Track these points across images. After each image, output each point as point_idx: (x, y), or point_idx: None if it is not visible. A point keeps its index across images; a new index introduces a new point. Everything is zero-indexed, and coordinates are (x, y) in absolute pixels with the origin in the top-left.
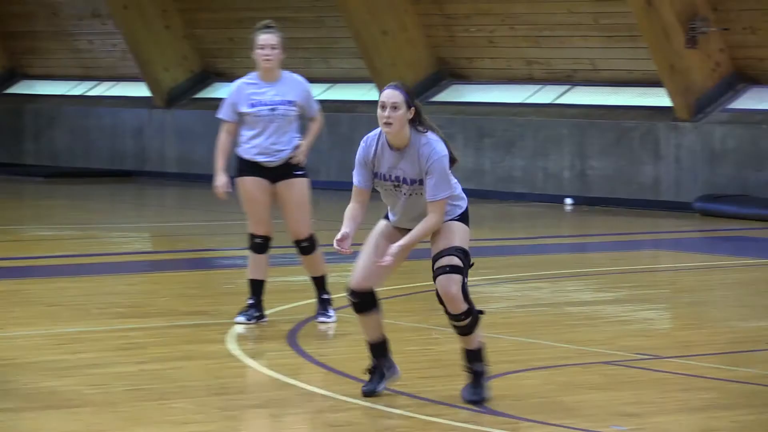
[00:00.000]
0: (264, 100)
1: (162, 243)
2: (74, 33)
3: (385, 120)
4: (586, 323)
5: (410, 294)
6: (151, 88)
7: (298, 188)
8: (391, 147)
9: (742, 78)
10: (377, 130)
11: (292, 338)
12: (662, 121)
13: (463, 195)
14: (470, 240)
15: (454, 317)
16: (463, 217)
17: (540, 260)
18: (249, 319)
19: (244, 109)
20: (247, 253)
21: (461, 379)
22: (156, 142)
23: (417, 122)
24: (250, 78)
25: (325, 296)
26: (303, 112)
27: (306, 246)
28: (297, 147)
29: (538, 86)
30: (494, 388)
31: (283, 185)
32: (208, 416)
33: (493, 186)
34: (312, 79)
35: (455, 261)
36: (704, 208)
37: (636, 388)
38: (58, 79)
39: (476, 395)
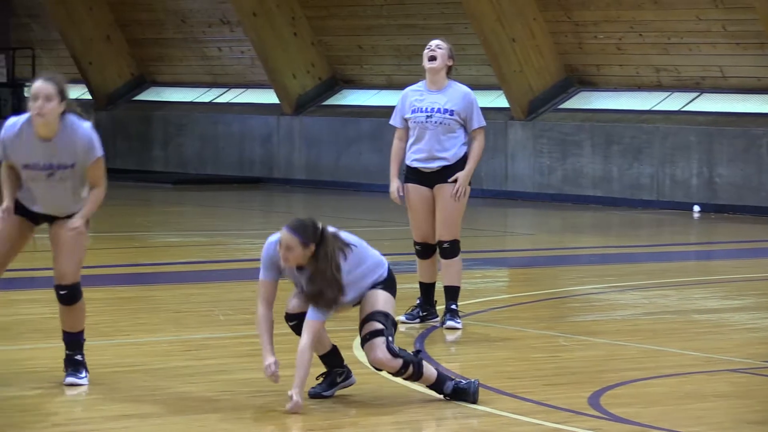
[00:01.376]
0: (422, 107)
1: None
2: (203, 40)
3: None
4: (713, 331)
5: (536, 301)
6: (279, 95)
7: (448, 191)
8: None
9: None
10: None
11: (420, 345)
12: None
13: (381, 262)
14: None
15: (393, 375)
16: (386, 285)
17: (666, 268)
18: (409, 318)
19: (407, 115)
20: None
21: (588, 386)
22: (284, 149)
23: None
24: (417, 85)
25: (453, 306)
26: (465, 124)
27: (446, 248)
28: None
29: (666, 93)
30: (621, 395)
31: (437, 189)
32: (333, 422)
33: (621, 193)
34: None
35: (375, 326)
36: None
37: (764, 396)
38: (186, 86)
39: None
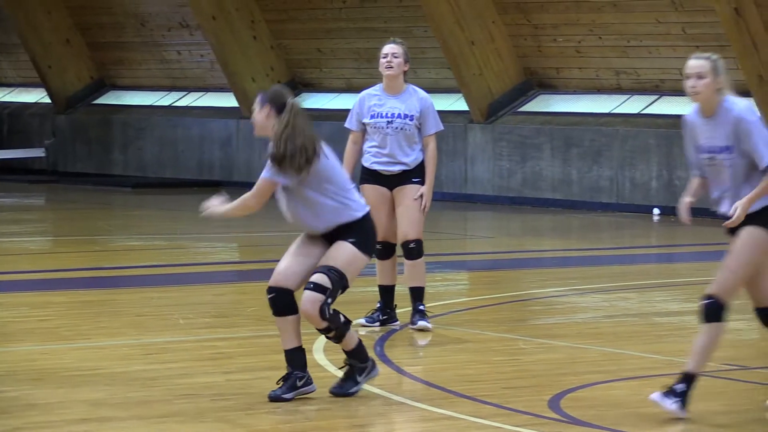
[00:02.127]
0: (382, 113)
1: (249, 253)
2: (162, 44)
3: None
4: (674, 333)
5: (497, 304)
6: (239, 98)
7: (410, 192)
8: None
9: None
10: None
11: (379, 349)
12: None
13: (357, 203)
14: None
15: (319, 331)
16: (359, 240)
17: (627, 270)
18: (369, 322)
19: (365, 120)
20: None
21: (548, 389)
22: (243, 153)
23: None
24: (374, 89)
25: (421, 307)
26: (421, 128)
27: (412, 248)
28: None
29: (625, 96)
30: (582, 398)
31: (397, 190)
32: (294, 426)
33: (580, 196)
34: None
35: (322, 282)
36: None
37: (726, 399)
38: (146, 89)
39: (342, 389)
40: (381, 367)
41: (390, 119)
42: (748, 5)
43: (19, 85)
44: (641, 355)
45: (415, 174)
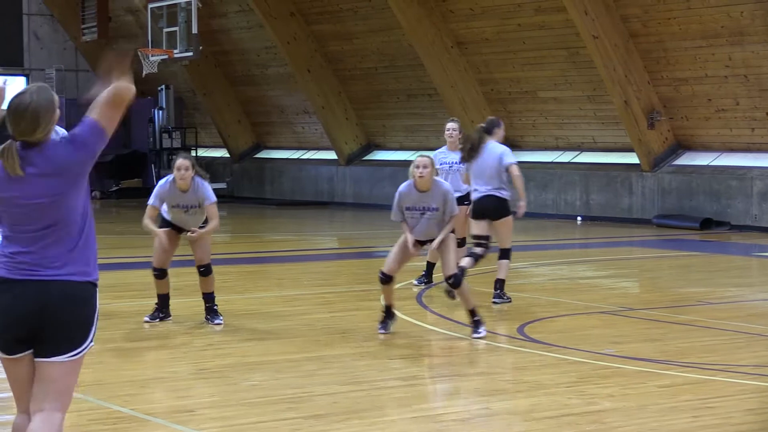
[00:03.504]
0: (447, 160)
1: (344, 242)
2: (293, 122)
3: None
4: (590, 288)
5: (487, 273)
6: (337, 154)
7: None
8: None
9: (680, 146)
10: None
11: (419, 298)
12: (631, 171)
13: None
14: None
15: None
16: None
17: (562, 252)
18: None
19: (438, 167)
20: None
21: (517, 321)
22: (340, 185)
23: None
24: (442, 149)
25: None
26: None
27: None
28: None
29: (561, 152)
30: (537, 327)
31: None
32: (368, 342)
33: (535, 210)
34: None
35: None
36: (660, 222)
37: (622, 326)
38: (284, 149)
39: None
40: (420, 309)
41: (451, 165)
42: None
43: (211, 146)
44: (570, 302)
45: (464, 199)
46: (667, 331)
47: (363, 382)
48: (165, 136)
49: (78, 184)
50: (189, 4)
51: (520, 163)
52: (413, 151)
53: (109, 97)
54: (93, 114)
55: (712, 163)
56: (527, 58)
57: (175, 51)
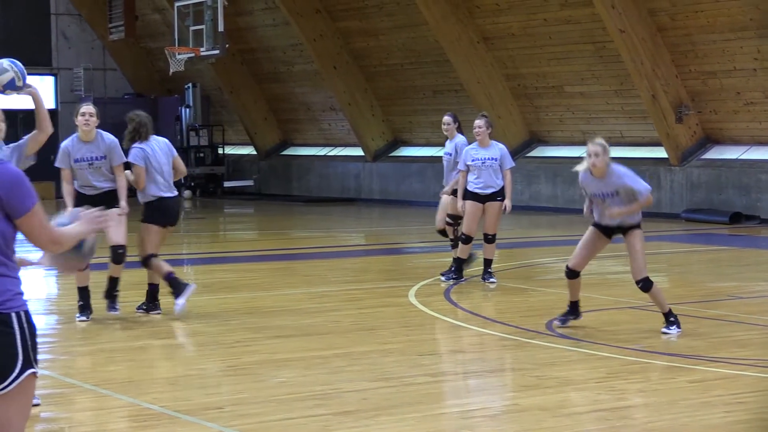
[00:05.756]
0: (478, 156)
1: (371, 239)
2: (320, 119)
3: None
4: (619, 284)
5: (514, 269)
6: (364, 150)
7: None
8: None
9: (709, 140)
10: None
11: (447, 294)
12: (660, 165)
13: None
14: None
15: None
16: None
17: None
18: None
19: (468, 162)
20: None
21: (546, 317)
22: (367, 182)
23: None
24: (473, 145)
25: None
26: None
27: (490, 237)
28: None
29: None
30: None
31: (487, 205)
32: (397, 338)
33: (565, 206)
34: None
35: None
36: (689, 217)
37: (649, 322)
38: (311, 146)
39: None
40: (448, 305)
41: (483, 161)
42: None
43: (238, 144)
44: (597, 297)
45: (499, 194)
46: (698, 326)
47: (392, 378)
48: (192, 134)
49: None
50: (215, 2)
51: (547, 157)
52: (440, 147)
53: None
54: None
55: (741, 157)
56: (554, 53)
57: (202, 49)
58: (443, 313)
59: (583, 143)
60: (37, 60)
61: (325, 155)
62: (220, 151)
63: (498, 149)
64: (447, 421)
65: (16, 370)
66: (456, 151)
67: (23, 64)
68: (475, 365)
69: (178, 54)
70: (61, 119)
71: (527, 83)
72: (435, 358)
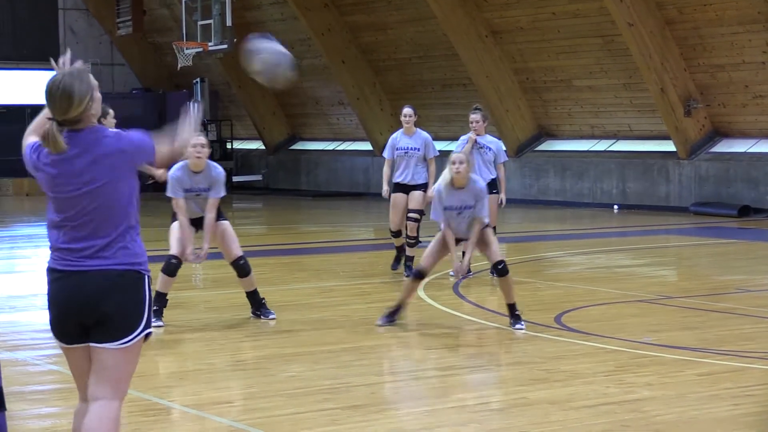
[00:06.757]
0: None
1: (380, 233)
2: (328, 114)
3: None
4: (628, 277)
5: (524, 262)
6: (372, 144)
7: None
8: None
9: (718, 133)
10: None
11: (456, 288)
12: (668, 159)
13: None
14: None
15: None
16: None
17: (598, 241)
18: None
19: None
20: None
21: (554, 311)
22: (376, 176)
23: None
24: (464, 137)
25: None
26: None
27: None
28: None
29: (597, 140)
30: (574, 316)
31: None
32: (405, 332)
33: (571, 199)
34: None
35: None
36: (697, 210)
37: (657, 316)
38: (319, 140)
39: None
40: (457, 299)
41: (481, 146)
42: None
43: (246, 138)
44: (607, 290)
45: (493, 187)
46: (706, 319)
47: (400, 372)
48: (200, 128)
49: (122, 174)
50: None
51: (556, 151)
52: (448, 141)
53: (174, 149)
54: (156, 138)
55: (749, 150)
56: (562, 47)
57: (210, 44)
58: (452, 307)
59: (593, 137)
60: (45, 55)
61: (333, 150)
62: (229, 145)
63: (494, 143)
64: (455, 414)
65: (140, 327)
66: (425, 146)
67: (31, 59)
68: (483, 359)
69: (186, 49)
70: None
71: (536, 77)
72: (443, 352)
